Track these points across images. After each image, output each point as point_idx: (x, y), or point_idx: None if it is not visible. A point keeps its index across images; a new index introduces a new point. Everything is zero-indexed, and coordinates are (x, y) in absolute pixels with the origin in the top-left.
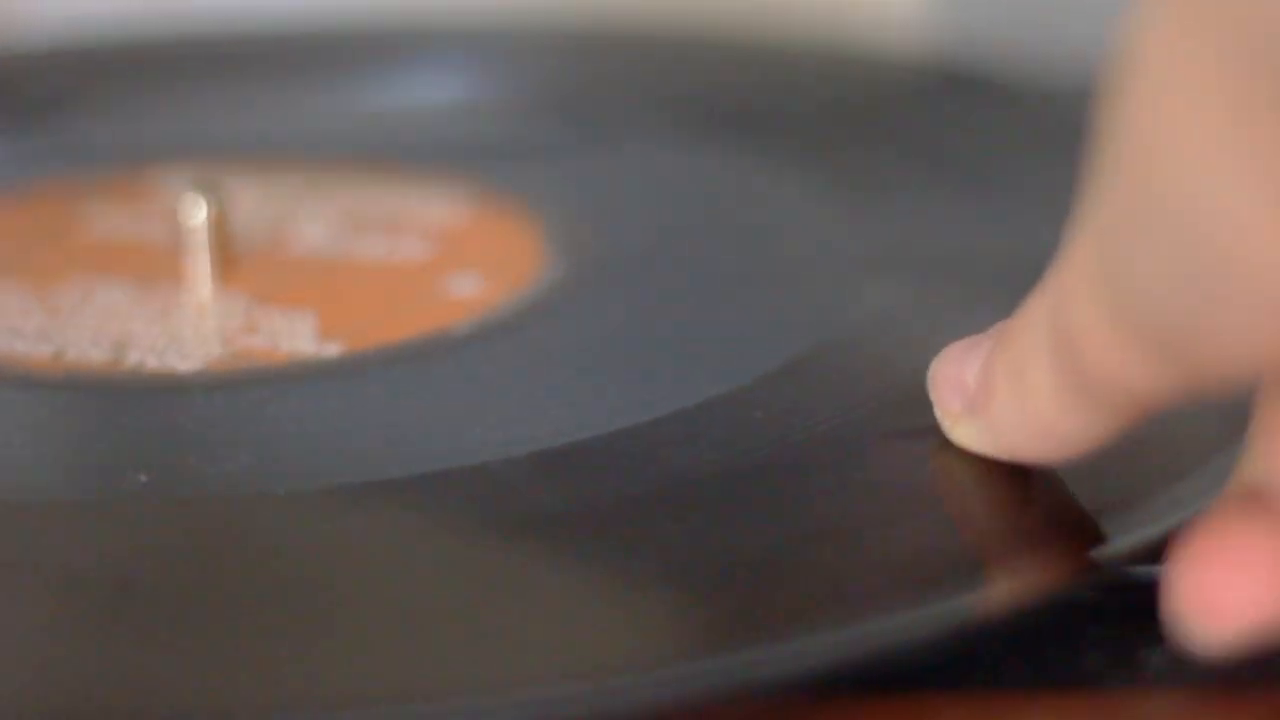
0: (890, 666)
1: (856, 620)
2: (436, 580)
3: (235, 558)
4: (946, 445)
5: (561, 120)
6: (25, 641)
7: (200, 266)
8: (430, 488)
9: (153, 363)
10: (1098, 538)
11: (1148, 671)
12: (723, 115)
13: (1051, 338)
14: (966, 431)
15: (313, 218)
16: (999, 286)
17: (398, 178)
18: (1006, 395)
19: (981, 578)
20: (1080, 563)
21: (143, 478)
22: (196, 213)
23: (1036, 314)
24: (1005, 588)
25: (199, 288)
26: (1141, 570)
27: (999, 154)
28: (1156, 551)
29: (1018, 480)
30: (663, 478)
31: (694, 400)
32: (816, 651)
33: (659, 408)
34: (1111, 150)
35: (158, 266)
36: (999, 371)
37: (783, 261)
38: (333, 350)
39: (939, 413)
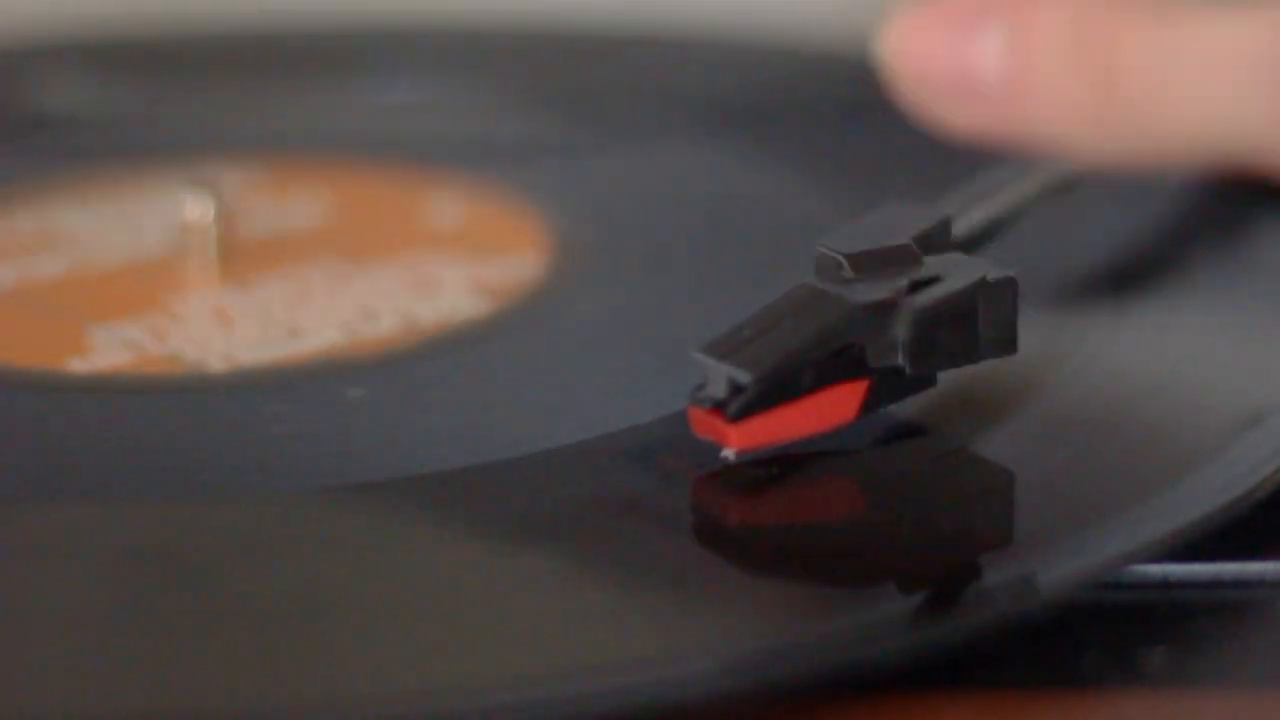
0: (890, 666)
1: (856, 620)
2: (435, 580)
3: (232, 558)
4: (948, 444)
5: (562, 120)
6: (23, 642)
7: (199, 266)
8: (430, 488)
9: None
10: (1094, 538)
11: (1148, 671)
12: (723, 115)
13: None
14: (979, 112)
15: (313, 217)
16: None
17: (399, 177)
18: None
19: (983, 577)
20: (1078, 564)
21: None
22: (197, 211)
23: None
24: (1006, 587)
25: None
26: (1141, 570)
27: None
28: (1157, 551)
29: (1018, 479)
30: (661, 478)
31: None
32: (818, 650)
33: (659, 408)
34: None
35: (157, 266)
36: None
37: (782, 261)
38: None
39: (927, 94)
